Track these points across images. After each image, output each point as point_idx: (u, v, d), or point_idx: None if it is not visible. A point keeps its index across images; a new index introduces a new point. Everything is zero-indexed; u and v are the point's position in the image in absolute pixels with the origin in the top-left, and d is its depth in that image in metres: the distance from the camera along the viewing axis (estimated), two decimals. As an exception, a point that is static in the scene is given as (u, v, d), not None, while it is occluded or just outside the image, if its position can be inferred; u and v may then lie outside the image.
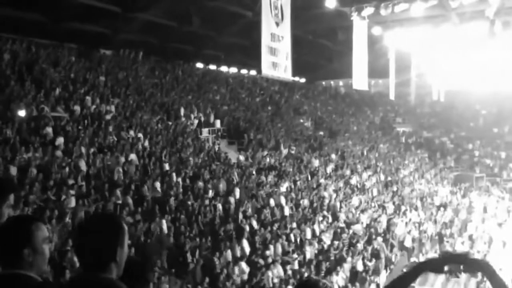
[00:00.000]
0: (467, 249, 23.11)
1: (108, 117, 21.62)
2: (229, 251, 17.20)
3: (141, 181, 18.39)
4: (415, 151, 41.64)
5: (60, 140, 18.13)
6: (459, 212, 29.82)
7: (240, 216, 19.61)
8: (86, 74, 24.69)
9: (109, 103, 23.01)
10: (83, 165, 17.34)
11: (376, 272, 20.59)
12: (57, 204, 14.69)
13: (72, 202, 15.30)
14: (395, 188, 30.54)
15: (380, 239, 22.66)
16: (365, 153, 35.68)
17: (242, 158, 25.75)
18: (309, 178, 26.90)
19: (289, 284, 16.93)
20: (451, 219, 28.38)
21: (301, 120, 36.82)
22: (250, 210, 20.49)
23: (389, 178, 32.12)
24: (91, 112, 21.37)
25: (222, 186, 21.22)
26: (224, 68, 40.65)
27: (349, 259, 20.11)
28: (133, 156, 19.49)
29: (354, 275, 19.68)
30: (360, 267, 20.25)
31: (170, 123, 24.84)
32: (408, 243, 24.01)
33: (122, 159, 18.93)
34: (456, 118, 46.49)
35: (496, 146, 41.98)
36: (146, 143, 21.34)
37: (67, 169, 16.60)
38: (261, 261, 17.78)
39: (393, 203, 27.93)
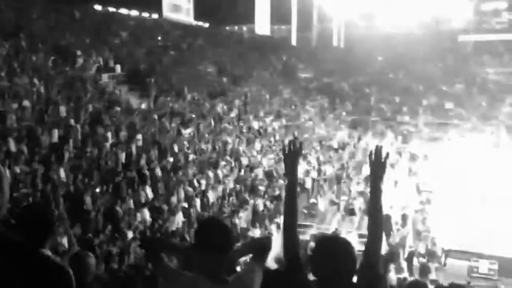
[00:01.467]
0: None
1: (-2, 61, 20.30)
2: (130, 198, 17.02)
3: (36, 128, 17.56)
4: (316, 96, 42.63)
5: None
6: (355, 154, 31.14)
7: (143, 162, 19.36)
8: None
9: (0, 46, 21.54)
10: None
11: (277, 213, 21.21)
12: None
13: (-40, 151, 14.44)
14: (296, 133, 31.24)
15: (280, 181, 23.27)
16: (267, 98, 36.10)
17: (144, 104, 25.22)
18: (213, 124, 26.92)
19: (192, 227, 17.07)
20: (348, 161, 29.60)
21: (205, 66, 36.44)
22: (153, 156, 20.26)
23: (290, 123, 32.79)
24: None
25: (123, 133, 20.75)
26: (124, 11, 39.13)
27: (251, 201, 20.55)
28: (26, 102, 18.51)
29: (255, 216, 20.18)
30: (261, 209, 20.77)
31: (66, 67, 23.73)
32: (307, 185, 24.81)
33: (15, 105, 17.93)
34: (354, 64, 47.82)
35: (391, 91, 43.83)
36: (41, 88, 20.28)
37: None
38: (165, 207, 17.79)
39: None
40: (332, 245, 3.00)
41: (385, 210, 21.59)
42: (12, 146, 15.93)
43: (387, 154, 3.39)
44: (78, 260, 3.94)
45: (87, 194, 15.78)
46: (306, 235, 20.86)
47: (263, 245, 3.15)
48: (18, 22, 24.97)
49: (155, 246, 3.16)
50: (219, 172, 21.97)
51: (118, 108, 22.83)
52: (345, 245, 2.97)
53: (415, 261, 19.05)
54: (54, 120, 18.66)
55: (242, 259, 3.30)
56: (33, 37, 24.61)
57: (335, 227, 21.40)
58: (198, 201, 19.13)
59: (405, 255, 19.51)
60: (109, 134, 19.86)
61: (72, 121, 19.02)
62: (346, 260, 2.92)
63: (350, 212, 22.90)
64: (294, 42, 42.48)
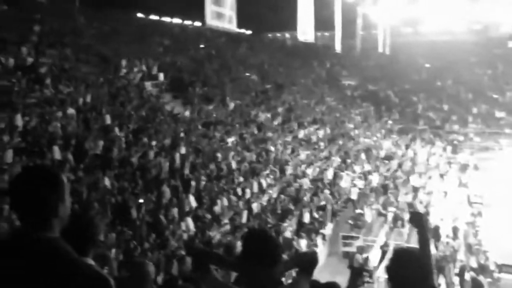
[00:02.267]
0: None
1: (44, 69, 20.44)
2: (175, 207, 16.85)
3: (81, 136, 17.58)
4: (361, 104, 42.00)
5: (-7, 94, 17.10)
6: (403, 164, 30.38)
7: (186, 171, 19.20)
8: (19, 23, 23.18)
9: (45, 55, 21.75)
10: (19, 120, 16.40)
11: (322, 223, 20.77)
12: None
13: (9, 158, 14.51)
14: (341, 141, 30.70)
15: (326, 191, 22.80)
16: (311, 106, 35.67)
17: (187, 112, 25.12)
18: (256, 132, 26.63)
19: (236, 238, 16.77)
20: (395, 171, 28.89)
21: (247, 73, 36.27)
22: (196, 165, 20.08)
23: (335, 131, 32.27)
24: (25, 65, 20.14)
25: (167, 141, 20.64)
26: (166, 19, 39.47)
27: (295, 212, 20.16)
28: (72, 110, 18.57)
29: (300, 227, 19.78)
30: (306, 219, 20.34)
31: (110, 76, 23.83)
32: (353, 195, 24.27)
33: (60, 114, 18.00)
34: (400, 71, 47.02)
35: (439, 99, 42.85)
36: (86, 97, 20.35)
37: (2, 124, 15.68)
38: (208, 216, 17.58)
39: (339, 156, 28.10)
40: (409, 258, 3.06)
41: (435, 222, 20.96)
42: (57, 154, 15.94)
43: (423, 216, 3.58)
44: (138, 268, 3.98)
45: (132, 202, 15.68)
46: (352, 247, 20.33)
47: (310, 259, 3.10)
48: (62, 32, 25.25)
49: (204, 258, 3.10)
50: (262, 181, 21.64)
51: (162, 117, 22.77)
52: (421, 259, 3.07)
53: (467, 276, 18.28)
54: (99, 128, 18.67)
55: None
56: (78, 46, 24.84)
57: (383, 239, 20.82)
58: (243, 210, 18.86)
59: (457, 270, 18.77)
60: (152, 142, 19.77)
61: (116, 129, 19.00)
62: (422, 273, 2.99)
63: (400, 224, 22.24)
64: (338, 48, 41.91)
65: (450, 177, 29.26)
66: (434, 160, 32.02)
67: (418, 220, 3.47)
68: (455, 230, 21.10)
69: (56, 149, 16.06)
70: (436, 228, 21.09)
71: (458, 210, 23.50)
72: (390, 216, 23.05)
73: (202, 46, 36.41)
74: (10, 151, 14.82)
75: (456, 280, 18.36)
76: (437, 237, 20.71)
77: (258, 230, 4.29)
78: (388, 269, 3.16)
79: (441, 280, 18.35)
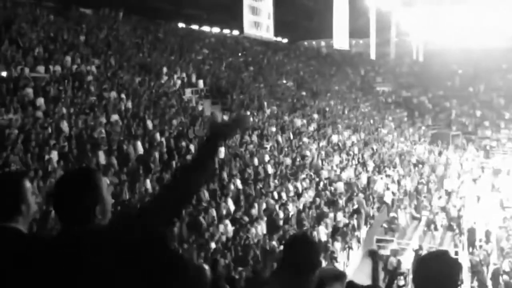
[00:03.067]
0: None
1: (89, 77, 21.36)
2: (213, 210, 17.37)
3: (124, 141, 18.32)
4: (394, 110, 42.10)
5: (41, 101, 17.91)
6: (436, 168, 30.47)
7: (225, 175, 19.77)
8: (66, 33, 24.27)
9: (90, 63, 22.71)
10: (64, 126, 17.18)
11: (357, 227, 21.08)
12: (40, 165, 14.62)
13: (55, 163, 15.22)
14: (375, 146, 30.93)
15: (360, 195, 23.10)
16: (346, 112, 35.98)
17: (225, 118, 25.74)
18: (292, 138, 27.12)
19: (273, 240, 17.22)
20: (428, 176, 29.01)
21: (284, 81, 36.84)
22: (234, 169, 20.63)
23: (369, 137, 32.51)
24: (71, 72, 21.10)
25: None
26: (206, 28, 40.37)
27: (330, 215, 20.51)
28: (115, 117, 19.38)
29: (335, 230, 20.11)
30: (341, 223, 20.69)
31: (152, 83, 24.68)
32: (387, 199, 24.50)
33: (104, 120, 18.79)
34: (433, 77, 46.94)
35: (471, 105, 42.71)
36: (129, 104, 21.20)
37: (48, 130, 16.47)
38: (246, 219, 18.05)
39: (373, 161, 28.35)
40: (435, 264, 2.72)
41: (469, 225, 21.11)
42: (102, 159, 16.66)
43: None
44: (200, 272, 3.75)
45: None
46: (386, 250, 20.61)
47: (338, 274, 3.43)
48: (107, 41, 26.27)
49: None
50: (298, 185, 22.07)
51: (201, 122, 23.41)
52: (450, 265, 2.74)
53: (501, 279, 18.42)
54: (141, 134, 19.39)
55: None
56: (121, 54, 25.82)
57: (417, 243, 21.04)
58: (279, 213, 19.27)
59: (490, 273, 18.91)
60: (192, 147, 20.40)
61: (157, 135, 19.71)
62: (449, 282, 2.70)
63: (434, 227, 22.44)
64: (373, 56, 42.17)
65: (483, 181, 29.29)
66: (467, 165, 32.03)
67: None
68: (487, 234, 21.22)
69: (100, 154, 16.82)
70: (472, 230, 21.29)
71: (491, 214, 23.59)
72: (423, 220, 23.26)
73: (240, 54, 37.18)
74: (55, 156, 15.56)
75: (489, 283, 18.51)
76: (472, 239, 20.93)
77: (300, 237, 4.04)
78: (413, 273, 2.93)
79: (475, 283, 18.56)
